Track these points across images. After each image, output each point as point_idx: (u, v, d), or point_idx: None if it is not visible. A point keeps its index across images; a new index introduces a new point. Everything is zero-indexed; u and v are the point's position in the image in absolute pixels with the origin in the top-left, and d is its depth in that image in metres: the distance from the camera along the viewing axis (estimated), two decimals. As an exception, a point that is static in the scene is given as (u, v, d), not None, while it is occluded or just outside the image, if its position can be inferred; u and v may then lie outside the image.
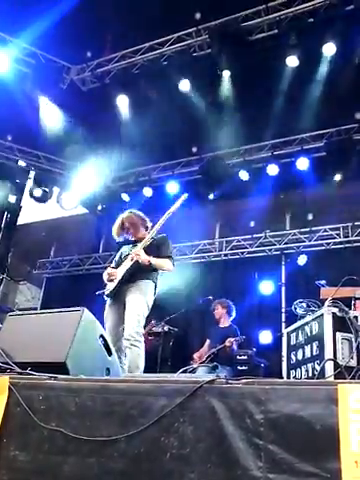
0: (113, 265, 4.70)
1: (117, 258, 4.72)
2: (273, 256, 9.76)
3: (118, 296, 4.39)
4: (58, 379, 2.43)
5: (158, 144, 9.13)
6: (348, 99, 7.55)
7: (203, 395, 2.06)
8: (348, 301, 3.94)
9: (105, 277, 4.54)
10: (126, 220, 4.69)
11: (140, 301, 4.28)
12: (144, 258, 4.32)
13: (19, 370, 2.66)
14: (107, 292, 4.46)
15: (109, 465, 2.12)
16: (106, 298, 4.51)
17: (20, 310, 9.13)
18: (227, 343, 6.93)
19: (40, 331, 3.02)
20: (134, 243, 4.62)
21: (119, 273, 4.42)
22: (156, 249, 4.49)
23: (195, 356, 7.31)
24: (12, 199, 10.25)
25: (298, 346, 4.00)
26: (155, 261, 4.38)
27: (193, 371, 5.94)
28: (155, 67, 8.43)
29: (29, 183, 10.31)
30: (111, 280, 4.46)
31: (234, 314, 7.47)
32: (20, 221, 10.65)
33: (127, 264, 4.40)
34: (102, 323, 4.02)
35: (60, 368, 2.65)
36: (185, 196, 4.52)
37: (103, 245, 11.60)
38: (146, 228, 4.68)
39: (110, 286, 4.47)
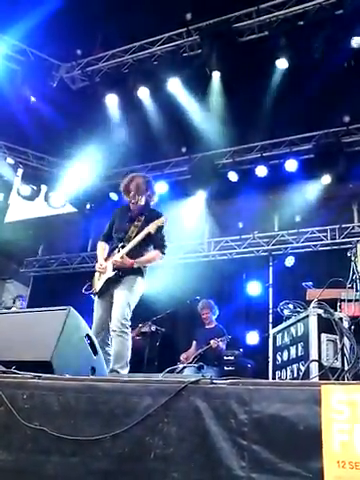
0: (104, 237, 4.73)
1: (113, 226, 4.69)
2: (261, 257, 9.80)
3: (106, 291, 4.38)
4: (42, 378, 2.42)
5: (147, 144, 9.12)
6: (337, 102, 7.60)
7: (187, 395, 2.06)
8: (334, 303, 3.98)
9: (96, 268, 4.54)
10: (133, 181, 4.63)
11: (127, 295, 4.27)
12: (128, 263, 4.30)
13: (3, 369, 2.64)
14: (97, 289, 4.45)
15: (93, 465, 2.11)
16: (93, 297, 4.50)
17: (6, 308, 9.05)
18: (212, 344, 6.94)
19: (25, 330, 3.01)
20: (130, 220, 4.56)
21: (108, 268, 4.39)
22: (148, 232, 4.43)
23: (182, 357, 7.32)
24: (0, 197, 10.19)
25: (284, 347, 4.02)
26: (140, 261, 4.37)
27: (180, 371, 5.95)
28: (145, 67, 8.42)
29: (17, 181, 10.24)
30: (101, 272, 4.45)
31: (217, 312, 7.52)
32: (7, 219, 10.58)
33: (111, 269, 4.36)
34: (89, 322, 4.03)
35: (45, 367, 2.64)
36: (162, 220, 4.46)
37: (91, 244, 11.55)
38: (149, 197, 4.64)
39: (97, 285, 4.46)
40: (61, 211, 10.81)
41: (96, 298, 4.46)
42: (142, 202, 4.58)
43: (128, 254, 4.34)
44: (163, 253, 4.49)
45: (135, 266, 4.32)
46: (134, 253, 4.37)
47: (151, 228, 4.36)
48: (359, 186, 8.76)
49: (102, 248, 4.68)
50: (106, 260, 4.51)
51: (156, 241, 4.46)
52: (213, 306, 7.51)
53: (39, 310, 3.17)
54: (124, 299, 4.24)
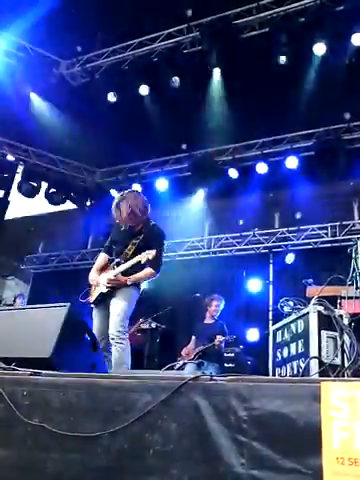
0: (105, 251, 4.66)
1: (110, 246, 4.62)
2: (261, 254, 9.79)
3: (102, 301, 4.39)
4: (42, 375, 2.42)
5: (148, 140, 9.11)
6: (337, 99, 7.59)
7: (187, 392, 2.06)
8: (334, 300, 3.98)
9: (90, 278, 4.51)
10: (122, 207, 4.36)
11: (122, 305, 4.28)
12: (121, 281, 4.27)
13: (3, 365, 2.64)
14: (92, 300, 4.45)
15: (93, 461, 2.11)
16: (92, 306, 4.49)
17: (7, 306, 9.06)
18: (216, 342, 6.94)
19: (25, 327, 3.01)
20: (130, 236, 4.47)
21: (102, 280, 4.38)
22: (146, 247, 4.37)
23: (183, 353, 7.32)
24: (0, 193, 10.17)
25: (284, 344, 4.01)
26: (134, 278, 4.32)
27: (181, 368, 5.95)
28: (145, 63, 8.40)
29: (17, 178, 10.23)
30: (94, 285, 4.43)
31: (222, 307, 7.53)
32: (8, 216, 10.56)
33: (107, 277, 4.33)
34: (88, 319, 4.04)
35: (45, 364, 2.64)
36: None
37: (91, 241, 11.57)
38: (144, 213, 4.42)
39: (94, 293, 4.46)
40: (61, 208, 10.81)
41: (94, 306, 4.48)
42: (139, 224, 4.45)
43: (122, 272, 4.33)
44: (157, 272, 4.40)
45: (128, 283, 4.30)
46: (128, 271, 4.34)
47: (142, 258, 4.23)
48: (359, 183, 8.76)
49: (102, 258, 4.60)
50: (102, 271, 4.49)
51: (151, 261, 4.32)
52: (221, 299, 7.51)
53: (39, 307, 3.17)
54: (119, 309, 4.24)
